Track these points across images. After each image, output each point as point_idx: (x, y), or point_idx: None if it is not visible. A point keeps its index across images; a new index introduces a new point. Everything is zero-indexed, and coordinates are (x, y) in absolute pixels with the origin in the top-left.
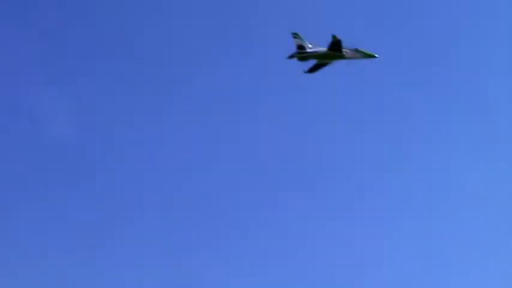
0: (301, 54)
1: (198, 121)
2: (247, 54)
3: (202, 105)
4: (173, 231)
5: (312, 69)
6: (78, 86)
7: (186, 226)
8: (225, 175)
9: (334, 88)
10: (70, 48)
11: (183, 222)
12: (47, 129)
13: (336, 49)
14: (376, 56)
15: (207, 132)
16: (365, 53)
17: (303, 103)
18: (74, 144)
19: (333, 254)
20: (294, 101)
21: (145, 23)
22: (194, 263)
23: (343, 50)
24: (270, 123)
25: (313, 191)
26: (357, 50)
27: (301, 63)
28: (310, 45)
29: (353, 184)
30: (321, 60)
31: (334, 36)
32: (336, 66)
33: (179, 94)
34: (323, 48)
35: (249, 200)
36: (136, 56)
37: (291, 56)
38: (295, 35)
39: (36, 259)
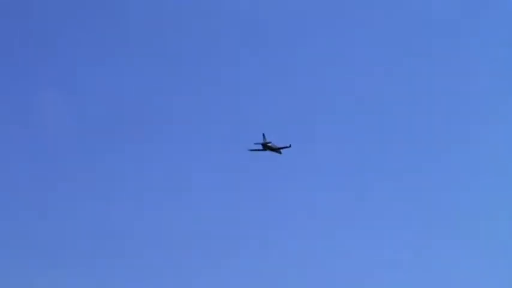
0: (266, 145)
1: None
2: None
3: None
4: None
5: (255, 150)
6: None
7: None
8: None
9: None
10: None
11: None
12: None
13: (282, 148)
14: (281, 152)
15: None
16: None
17: None
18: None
19: None
20: None
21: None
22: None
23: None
24: None
25: None
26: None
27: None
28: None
29: None
30: (268, 150)
31: (290, 145)
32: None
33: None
34: (276, 145)
35: None
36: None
37: (259, 143)
38: (264, 134)
39: (39, 259)
